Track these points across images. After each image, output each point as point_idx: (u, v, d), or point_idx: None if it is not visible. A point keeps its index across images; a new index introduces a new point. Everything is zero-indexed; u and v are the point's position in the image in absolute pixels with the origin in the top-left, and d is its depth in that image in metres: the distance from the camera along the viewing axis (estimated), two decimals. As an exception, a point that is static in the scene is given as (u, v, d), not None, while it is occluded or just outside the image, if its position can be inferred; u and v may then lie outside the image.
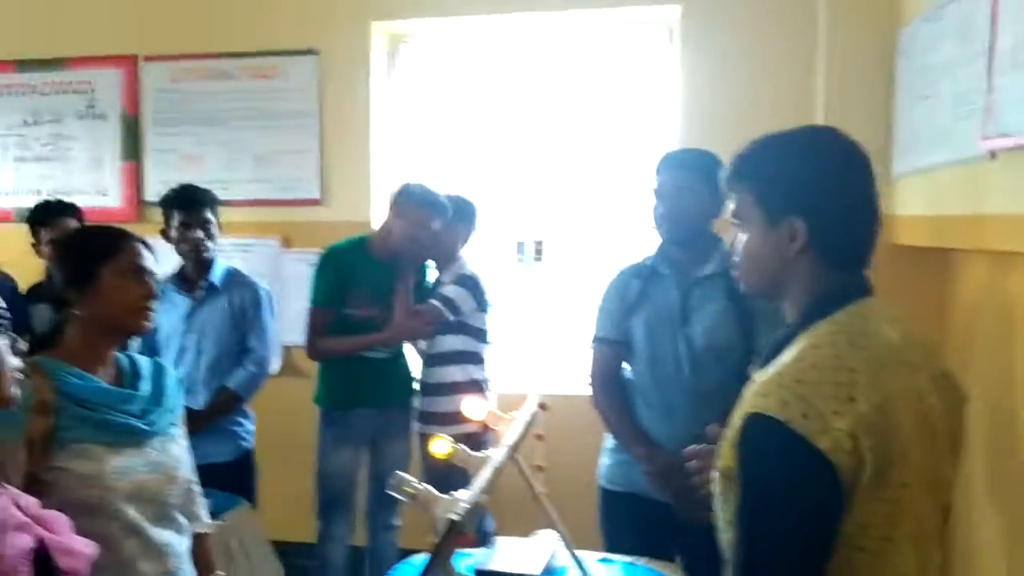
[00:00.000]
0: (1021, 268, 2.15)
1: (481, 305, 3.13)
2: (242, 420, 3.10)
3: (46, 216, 3.24)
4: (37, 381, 1.56)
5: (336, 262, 3.10)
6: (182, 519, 1.77)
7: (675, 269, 2.40)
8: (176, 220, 2.98)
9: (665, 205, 2.37)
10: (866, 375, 1.16)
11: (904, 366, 1.21)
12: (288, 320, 3.68)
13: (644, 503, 2.36)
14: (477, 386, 3.07)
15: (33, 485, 1.49)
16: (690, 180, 2.31)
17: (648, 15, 3.66)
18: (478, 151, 3.98)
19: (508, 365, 3.73)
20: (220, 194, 3.26)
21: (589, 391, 2.52)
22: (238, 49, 3.88)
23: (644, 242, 2.56)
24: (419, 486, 1.45)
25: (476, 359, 3.14)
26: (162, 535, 1.68)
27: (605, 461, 2.52)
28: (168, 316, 3.02)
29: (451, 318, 3.05)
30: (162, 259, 3.09)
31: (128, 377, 1.74)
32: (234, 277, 3.11)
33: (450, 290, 3.08)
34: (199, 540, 1.85)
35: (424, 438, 3.06)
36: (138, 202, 4.01)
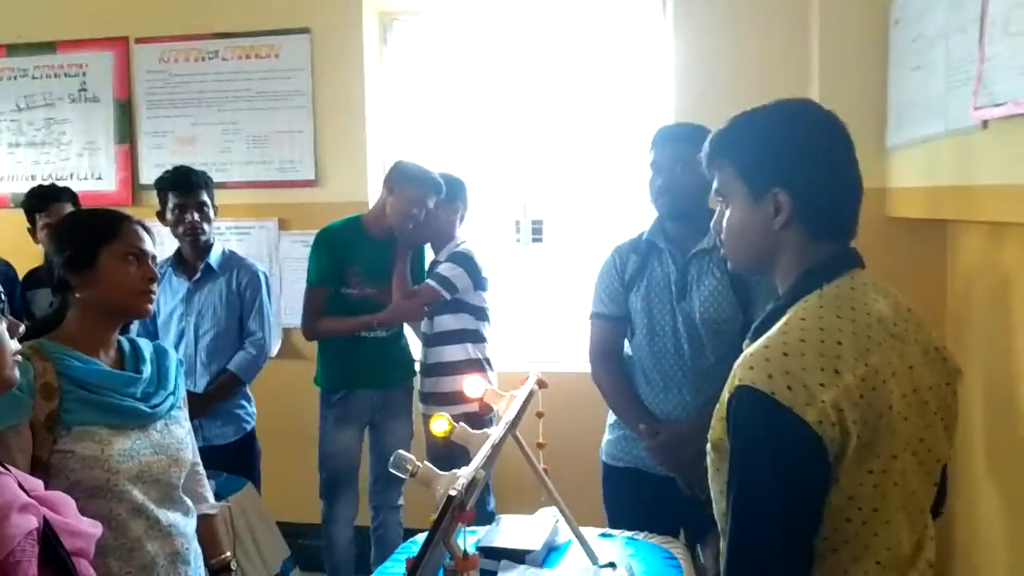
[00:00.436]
0: (1016, 238, 2.16)
1: (478, 283, 3.12)
2: (243, 402, 3.12)
3: (42, 201, 3.24)
4: (40, 365, 1.57)
5: (331, 241, 3.10)
6: (188, 500, 1.79)
7: (672, 243, 2.41)
8: (172, 203, 2.98)
9: (662, 178, 2.37)
10: (852, 347, 1.16)
11: (893, 339, 1.21)
12: (287, 302, 3.69)
13: (646, 478, 2.39)
14: (478, 365, 3.08)
15: (39, 468, 1.51)
16: (685, 153, 2.31)
17: (641, -12, 3.64)
18: (473, 129, 3.96)
19: (509, 344, 3.74)
20: (216, 176, 3.25)
21: (589, 367, 2.53)
22: (230, 29, 3.85)
23: (641, 218, 2.56)
24: (419, 464, 1.46)
25: (477, 337, 3.14)
26: (168, 516, 1.69)
27: (607, 437, 2.54)
28: (166, 299, 3.03)
29: (447, 297, 3.05)
30: (160, 242, 3.14)
31: (130, 360, 1.75)
32: (232, 259, 3.12)
33: (445, 268, 3.08)
34: (206, 521, 1.86)
35: (427, 419, 3.08)
36: (133, 185, 4.00)
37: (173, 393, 1.78)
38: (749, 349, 1.22)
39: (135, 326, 2.88)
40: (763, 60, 3.26)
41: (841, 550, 1.17)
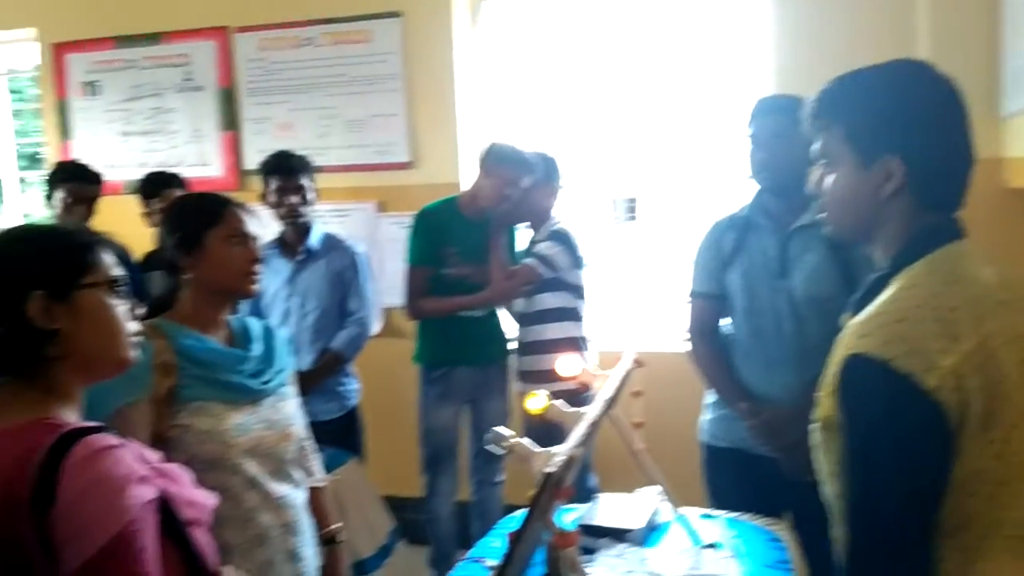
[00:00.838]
0: None
1: (576, 261, 3.12)
2: (346, 379, 3.20)
3: (154, 187, 3.38)
4: (158, 343, 1.63)
5: (428, 222, 3.15)
6: (297, 473, 1.83)
7: (772, 219, 2.33)
8: (273, 186, 3.08)
9: (762, 152, 2.29)
10: (967, 313, 1.11)
11: (1003, 306, 1.15)
12: (386, 282, 3.74)
13: (748, 459, 2.33)
14: (575, 343, 3.07)
15: (159, 442, 1.58)
16: (786, 126, 2.23)
17: (739, -44, 3.53)
18: (565, 108, 3.93)
19: (606, 323, 3.71)
20: (315, 160, 3.33)
21: (687, 347, 2.49)
22: (324, 15, 3.92)
23: (739, 194, 2.49)
24: (515, 440, 1.46)
25: (574, 315, 3.14)
26: (279, 488, 1.74)
27: (706, 416, 2.49)
28: (271, 280, 3.13)
29: (548, 275, 3.05)
30: (266, 226, 3.24)
31: (240, 339, 1.80)
32: (331, 241, 3.19)
33: (544, 247, 3.08)
34: (315, 493, 1.91)
35: (524, 397, 3.09)
36: (238, 170, 4.13)
37: (282, 370, 1.82)
38: (857, 319, 1.18)
39: (244, 306, 2.98)
40: (866, 26, 3.12)
41: (968, 528, 1.12)
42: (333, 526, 1.93)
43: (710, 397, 2.49)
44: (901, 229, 1.23)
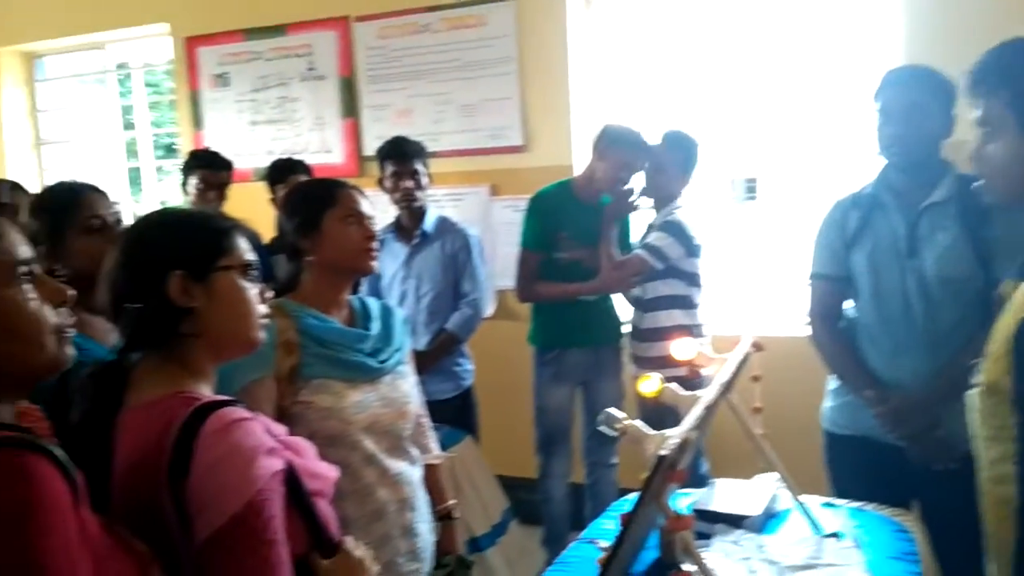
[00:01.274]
0: None
1: (690, 250, 3.04)
2: (461, 360, 3.26)
3: (280, 173, 3.52)
4: (282, 322, 1.70)
5: (542, 206, 3.15)
6: (414, 451, 1.88)
7: (899, 197, 2.22)
8: (389, 171, 3.17)
9: (892, 126, 2.18)
10: None
11: None
12: (499, 265, 3.78)
13: (873, 447, 2.24)
14: (687, 331, 3.01)
15: (282, 417, 1.64)
16: (920, 97, 2.12)
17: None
18: (681, 87, 3.85)
19: (724, 307, 3.64)
20: (430, 146, 3.38)
21: (808, 331, 2.40)
22: (440, 1, 3.97)
23: (864, 172, 2.38)
24: (628, 422, 1.45)
25: (687, 303, 3.07)
26: (396, 465, 1.79)
27: (828, 403, 2.40)
28: (388, 263, 3.21)
29: (658, 267, 3.00)
30: (384, 211, 3.32)
31: (360, 318, 1.85)
32: (445, 224, 3.26)
33: (656, 237, 3.02)
34: (430, 470, 1.95)
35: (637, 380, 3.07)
36: (358, 157, 4.25)
37: (399, 349, 1.87)
38: None
39: (364, 288, 3.07)
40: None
41: None
42: (449, 503, 1.97)
43: (832, 383, 2.40)
44: None
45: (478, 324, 3.22)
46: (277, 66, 4.38)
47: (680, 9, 3.79)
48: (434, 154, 3.45)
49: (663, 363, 2.83)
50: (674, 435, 1.37)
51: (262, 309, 1.28)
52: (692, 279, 3.08)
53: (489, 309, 3.66)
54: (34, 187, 2.78)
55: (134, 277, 1.20)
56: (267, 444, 1.12)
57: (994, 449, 1.13)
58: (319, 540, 1.22)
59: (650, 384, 1.78)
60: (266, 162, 3.76)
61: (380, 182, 3.22)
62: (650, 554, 1.79)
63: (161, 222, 1.29)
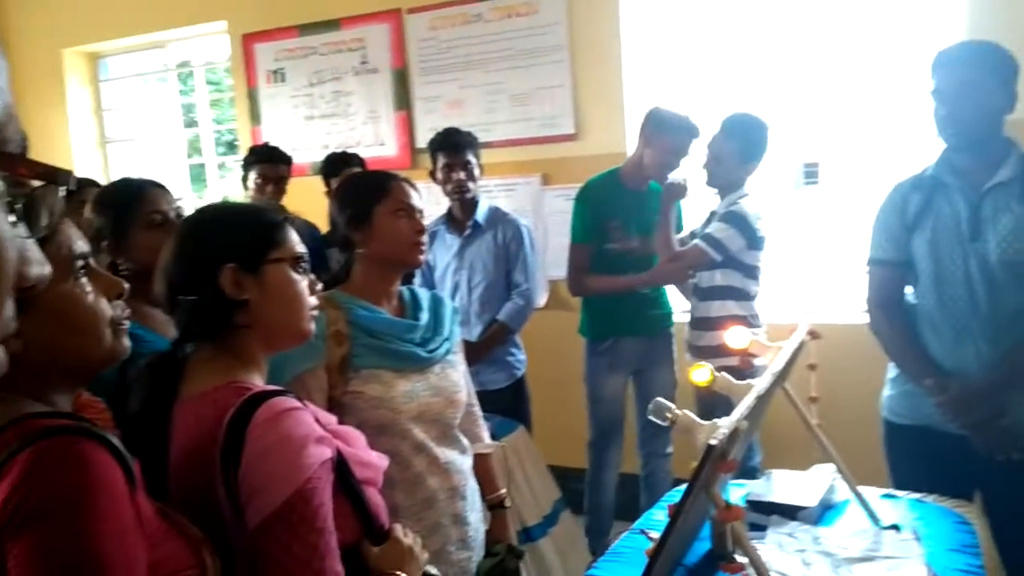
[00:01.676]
0: None
1: (752, 243, 2.95)
2: (514, 350, 3.27)
3: (335, 167, 3.57)
4: (332, 314, 1.72)
5: (590, 198, 3.14)
6: (464, 439, 1.89)
7: (961, 178, 2.15)
8: (440, 162, 3.18)
9: (946, 105, 2.11)
10: None
11: None
12: (551, 255, 3.78)
13: (935, 436, 2.18)
14: (742, 322, 2.96)
15: (333, 407, 1.67)
16: (973, 75, 2.05)
17: None
18: (736, 71, 3.78)
19: (783, 295, 3.59)
20: (482, 136, 3.39)
21: (867, 318, 2.35)
22: (491, -10, 3.97)
23: (928, 155, 2.31)
24: (679, 412, 1.44)
25: (743, 295, 3.00)
26: (446, 453, 1.80)
27: (888, 392, 2.35)
28: (441, 255, 3.24)
29: (717, 258, 2.94)
30: (436, 202, 3.35)
31: (409, 308, 1.87)
32: (496, 215, 3.26)
33: (717, 228, 2.95)
34: (481, 459, 1.96)
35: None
36: (411, 149, 4.28)
37: (448, 339, 1.88)
38: None
39: (417, 280, 3.10)
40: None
41: None
42: (500, 491, 1.98)
43: (892, 371, 2.34)
44: None
45: (530, 314, 3.22)
46: (331, 60, 4.44)
47: (735, -8, 3.73)
48: (486, 144, 3.46)
49: (717, 352, 2.81)
50: (724, 425, 1.36)
51: (312, 301, 1.30)
52: (750, 271, 3.01)
53: (541, 299, 3.66)
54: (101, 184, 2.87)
55: (188, 270, 1.23)
56: (317, 433, 1.14)
57: None
58: (369, 528, 1.23)
59: (702, 373, 1.76)
60: (321, 156, 3.82)
61: (432, 174, 3.24)
62: (703, 545, 1.78)
63: (214, 216, 1.32)
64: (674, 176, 3.06)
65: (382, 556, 1.23)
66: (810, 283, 3.71)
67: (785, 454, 2.61)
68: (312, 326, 1.31)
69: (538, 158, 3.97)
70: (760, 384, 1.60)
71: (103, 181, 4.92)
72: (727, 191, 3.02)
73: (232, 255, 1.22)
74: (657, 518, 1.97)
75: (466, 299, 3.20)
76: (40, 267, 0.98)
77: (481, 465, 1.95)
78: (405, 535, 1.29)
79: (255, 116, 4.69)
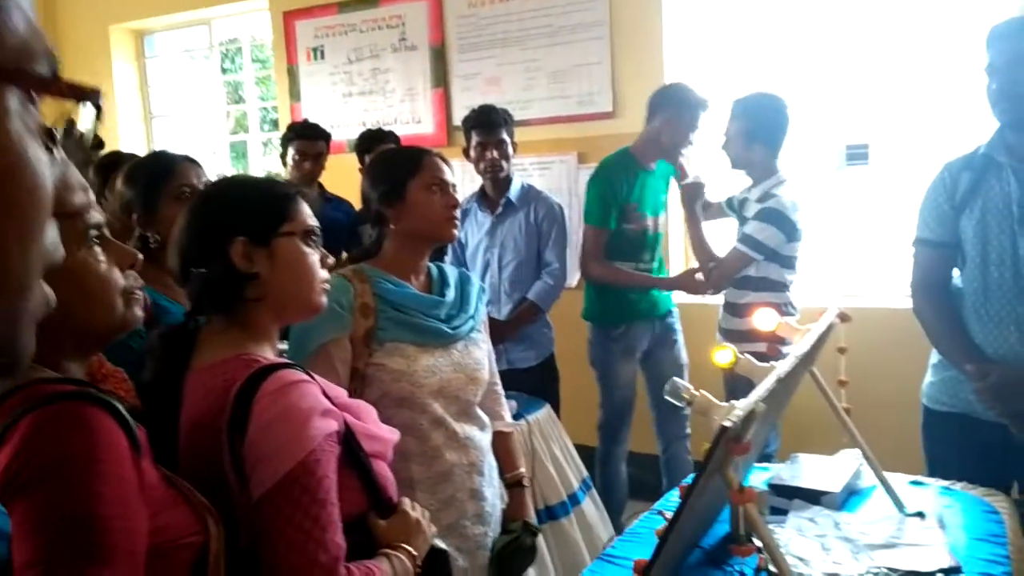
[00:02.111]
0: None
1: (792, 236, 2.86)
2: (544, 329, 3.26)
3: (370, 143, 3.58)
4: (359, 286, 1.74)
5: (608, 178, 3.10)
6: (484, 416, 1.89)
7: (1014, 157, 2.07)
8: (474, 140, 3.16)
9: (998, 80, 2.04)
10: None
11: None
12: (584, 235, 3.75)
13: (974, 425, 2.13)
14: (776, 308, 2.90)
15: (356, 377, 1.70)
16: None
17: None
18: (780, 49, 3.69)
19: (823, 278, 3.53)
20: (518, 114, 3.37)
21: (904, 302, 2.29)
22: (531, -35, 3.93)
23: (980, 135, 2.23)
24: (695, 392, 1.42)
25: (779, 286, 2.92)
26: (465, 429, 1.81)
27: (929, 378, 2.29)
28: (473, 232, 3.23)
29: (759, 258, 2.87)
30: (472, 179, 3.34)
31: (437, 285, 1.87)
32: (530, 193, 3.24)
33: (754, 228, 2.86)
34: (503, 438, 1.96)
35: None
36: (448, 127, 4.28)
37: (473, 317, 1.88)
38: None
39: (448, 258, 3.11)
40: None
41: None
42: (519, 470, 1.98)
43: (934, 357, 2.28)
44: None
45: (560, 294, 3.21)
46: (370, 38, 4.44)
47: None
48: (522, 123, 3.44)
49: (747, 336, 2.77)
50: (741, 406, 1.34)
51: (323, 274, 1.30)
52: (787, 262, 2.93)
53: (573, 279, 3.64)
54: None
55: (199, 243, 1.24)
56: (323, 406, 1.14)
57: None
58: (377, 501, 1.24)
59: (724, 355, 1.73)
60: (358, 133, 3.83)
61: (465, 152, 3.23)
62: (723, 527, 1.76)
63: (225, 189, 1.33)
64: (692, 176, 3.04)
65: (389, 529, 1.24)
66: (853, 266, 3.64)
67: (813, 438, 2.57)
68: (324, 299, 1.31)
69: (575, 136, 3.94)
70: (782, 367, 1.57)
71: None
72: (759, 176, 2.92)
73: (243, 228, 1.23)
74: (673, 500, 1.95)
75: (496, 277, 3.19)
76: (84, 194, 1.01)
77: (501, 443, 1.95)
78: (412, 508, 1.29)
79: (295, 93, 4.73)
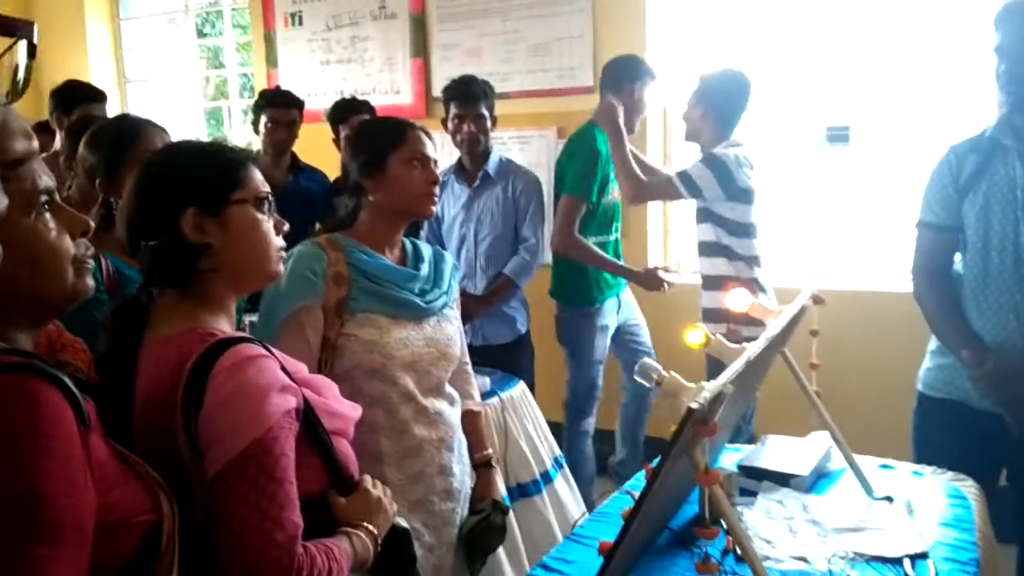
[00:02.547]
0: None
1: (730, 193, 2.74)
2: (516, 304, 3.23)
3: (343, 114, 3.51)
4: (333, 255, 1.72)
5: (592, 149, 3.10)
6: (455, 393, 1.88)
7: (1021, 140, 2.04)
8: (452, 112, 3.11)
9: (1007, 62, 2.01)
10: None
11: None
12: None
13: (968, 413, 2.12)
14: (735, 283, 2.85)
15: (327, 347, 1.68)
16: None
17: None
18: (764, 28, 3.66)
19: (798, 258, 3.53)
20: (499, 87, 3.32)
21: (878, 285, 2.28)
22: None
23: (970, 120, 2.20)
24: (664, 373, 1.40)
25: (728, 254, 2.81)
26: (435, 404, 1.80)
27: (926, 364, 2.27)
28: (449, 206, 3.19)
29: (685, 195, 2.81)
30: (450, 153, 3.30)
31: (411, 259, 1.86)
32: (508, 167, 3.20)
33: (693, 166, 2.79)
34: (472, 417, 1.95)
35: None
36: (427, 98, 4.21)
37: (446, 293, 1.87)
38: None
39: (423, 232, 3.07)
40: None
41: None
42: (487, 451, 1.97)
43: (932, 344, 2.26)
44: None
45: (536, 270, 3.18)
46: (349, 4, 4.37)
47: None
48: (502, 95, 3.39)
49: (709, 315, 2.76)
50: (709, 388, 1.32)
51: (279, 242, 1.27)
52: (732, 228, 2.80)
53: (549, 255, 3.61)
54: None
55: (147, 215, 1.19)
56: (281, 382, 1.11)
57: None
58: (337, 478, 1.22)
59: (696, 335, 1.72)
60: (333, 102, 3.76)
61: (444, 122, 3.18)
62: (692, 508, 1.76)
63: (172, 157, 1.26)
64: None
65: (349, 507, 1.22)
66: (833, 247, 3.64)
67: (785, 420, 2.57)
68: (280, 267, 1.28)
69: (555, 110, 3.90)
70: (753, 349, 1.55)
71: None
72: (704, 147, 2.88)
73: (192, 198, 1.18)
74: (640, 479, 1.95)
75: (472, 252, 3.16)
76: (27, 141, 0.96)
77: (470, 422, 1.94)
78: (374, 486, 1.27)
79: (272, 59, 4.64)
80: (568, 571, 1.60)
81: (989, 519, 1.78)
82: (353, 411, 1.30)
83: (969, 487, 1.87)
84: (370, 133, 1.89)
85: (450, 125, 3.13)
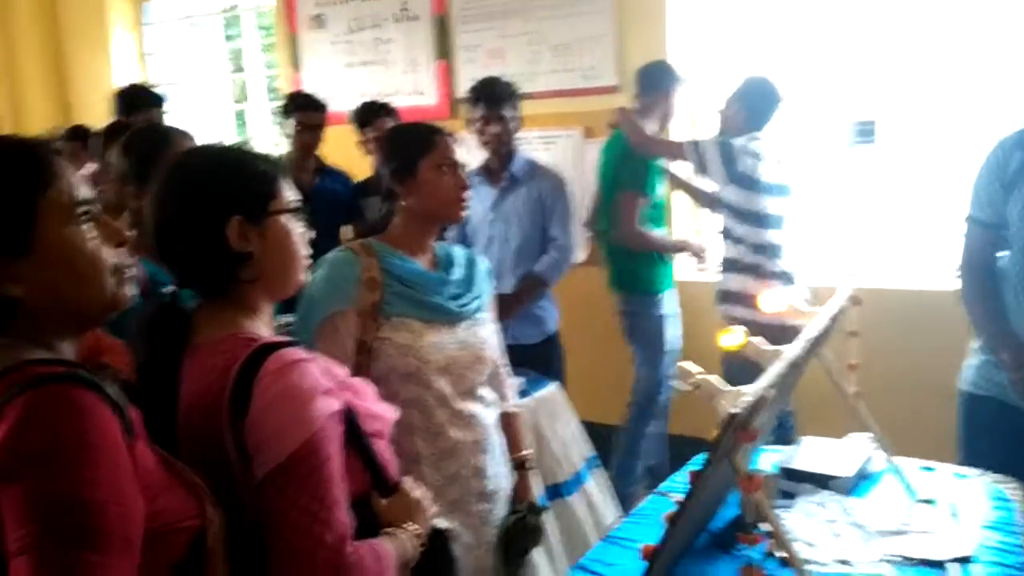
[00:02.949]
0: None
1: (736, 179, 2.94)
2: (545, 304, 3.21)
3: (367, 116, 3.51)
4: (367, 260, 1.73)
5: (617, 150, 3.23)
6: (490, 395, 1.88)
7: None
8: (478, 114, 3.09)
9: None
10: None
11: None
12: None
13: (1009, 411, 2.09)
14: (753, 272, 2.98)
15: (363, 351, 1.69)
16: None
17: None
18: (788, 26, 3.62)
19: (832, 256, 3.51)
20: (523, 87, 3.30)
21: (916, 284, 2.24)
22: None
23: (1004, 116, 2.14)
24: (702, 376, 1.38)
25: (735, 239, 3.03)
26: (470, 407, 1.80)
27: (970, 361, 2.24)
28: (476, 206, 3.17)
29: (690, 161, 3.03)
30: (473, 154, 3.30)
31: (443, 264, 1.87)
32: (534, 168, 3.19)
33: (708, 140, 3.02)
34: (508, 418, 1.95)
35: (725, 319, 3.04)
36: (451, 99, 4.21)
37: (479, 296, 1.87)
38: None
39: (452, 232, 3.06)
40: None
41: None
42: (524, 452, 1.96)
43: (976, 341, 2.22)
44: None
45: (566, 269, 3.16)
46: (372, 7, 4.36)
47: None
48: (527, 96, 3.38)
49: (726, 297, 3.02)
50: (750, 392, 1.30)
51: (307, 251, 1.27)
52: (743, 215, 2.98)
53: (579, 254, 3.60)
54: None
55: (191, 221, 1.17)
56: (325, 385, 1.12)
57: None
58: (378, 480, 1.22)
59: (732, 338, 1.69)
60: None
61: (469, 123, 3.17)
62: (731, 511, 1.74)
63: (213, 165, 1.24)
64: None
65: (391, 508, 1.22)
66: (864, 246, 3.59)
67: (821, 421, 2.54)
68: (306, 276, 1.28)
69: (580, 110, 3.88)
70: (791, 351, 1.53)
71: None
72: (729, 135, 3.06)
73: (238, 207, 1.17)
74: (680, 482, 1.93)
75: (501, 252, 3.14)
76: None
77: (507, 425, 1.93)
78: (414, 488, 1.27)
79: (296, 62, 4.65)
80: (607, 574, 1.59)
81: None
82: (390, 412, 1.31)
83: (1014, 489, 1.84)
84: (400, 139, 1.91)
85: (476, 126, 3.12)
